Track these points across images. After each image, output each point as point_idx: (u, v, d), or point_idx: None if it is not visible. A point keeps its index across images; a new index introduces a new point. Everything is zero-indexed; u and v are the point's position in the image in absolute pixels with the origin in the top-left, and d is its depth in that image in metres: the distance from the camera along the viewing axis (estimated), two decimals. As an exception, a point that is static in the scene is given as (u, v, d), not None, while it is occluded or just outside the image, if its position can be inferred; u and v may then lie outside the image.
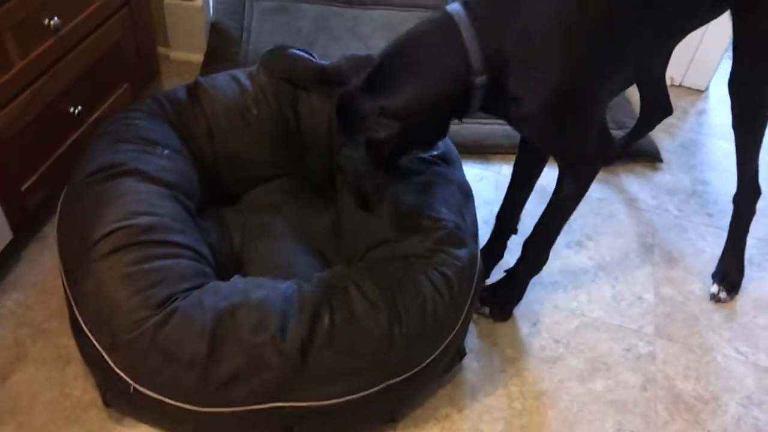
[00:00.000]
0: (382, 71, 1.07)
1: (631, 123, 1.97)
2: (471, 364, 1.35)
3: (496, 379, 1.34)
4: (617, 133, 1.93)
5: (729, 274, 1.56)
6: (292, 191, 1.53)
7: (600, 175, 1.80)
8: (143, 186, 1.24)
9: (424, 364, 1.18)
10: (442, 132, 1.17)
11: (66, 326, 1.33)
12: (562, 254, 1.60)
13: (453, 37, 1.04)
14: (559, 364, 1.38)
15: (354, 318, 1.12)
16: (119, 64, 1.61)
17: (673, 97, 2.14)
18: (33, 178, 1.40)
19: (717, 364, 1.41)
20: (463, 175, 1.42)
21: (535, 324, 1.45)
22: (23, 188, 1.38)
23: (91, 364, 1.21)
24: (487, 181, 1.77)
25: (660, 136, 1.97)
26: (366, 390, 1.12)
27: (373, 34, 2.20)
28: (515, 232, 1.50)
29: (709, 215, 1.76)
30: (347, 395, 1.11)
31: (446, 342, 1.21)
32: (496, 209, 1.69)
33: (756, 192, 1.53)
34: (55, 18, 1.32)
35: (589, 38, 1.05)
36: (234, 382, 1.06)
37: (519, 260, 1.42)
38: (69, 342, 1.31)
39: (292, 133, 1.51)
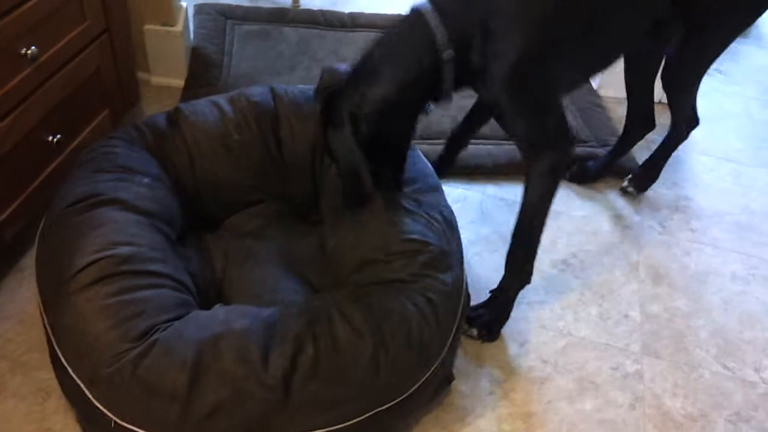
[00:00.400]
0: (363, 67, 1.23)
1: (613, 140, 1.98)
2: (459, 386, 1.34)
3: (484, 402, 1.32)
4: (599, 151, 1.94)
5: (644, 179, 1.84)
6: (274, 215, 1.52)
7: (583, 192, 1.83)
8: (122, 215, 1.22)
9: (411, 390, 1.16)
10: (418, 115, 1.28)
11: (46, 359, 1.30)
12: (547, 273, 1.60)
13: (421, 25, 1.19)
14: (548, 384, 1.37)
15: (338, 346, 1.10)
16: (99, 91, 1.60)
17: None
18: (10, 209, 1.38)
19: (705, 381, 1.41)
20: (446, 201, 1.42)
21: (522, 344, 1.44)
22: (0, 220, 1.36)
23: (71, 399, 1.18)
24: (470, 201, 1.77)
25: (642, 153, 1.98)
26: (351, 420, 1.10)
27: (356, 56, 2.20)
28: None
29: (693, 231, 1.77)
30: (332, 425, 1.09)
31: (433, 368, 1.19)
32: (481, 229, 1.70)
33: (694, 121, 1.75)
34: (33, 47, 1.31)
35: (540, 26, 1.18)
36: (216, 414, 1.04)
37: (503, 278, 1.41)
38: (49, 375, 1.28)
39: (273, 157, 1.50)
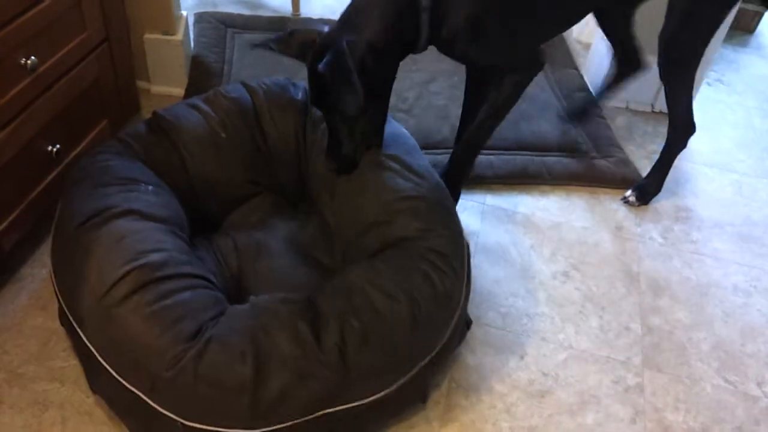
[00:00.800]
0: (349, 17, 1.29)
1: (616, 151, 1.98)
2: (460, 401, 1.33)
3: (485, 416, 1.31)
4: (602, 162, 1.94)
5: (648, 189, 1.85)
6: (272, 206, 1.54)
7: (584, 203, 1.83)
8: (141, 225, 1.22)
9: (446, 338, 1.25)
10: (398, 64, 1.36)
11: (43, 371, 1.30)
12: (548, 285, 1.59)
13: None
14: (548, 398, 1.36)
15: (379, 314, 1.16)
16: (98, 101, 1.60)
17: (654, 123, 2.17)
18: (9, 219, 1.37)
19: (707, 395, 1.40)
20: (425, 159, 1.49)
21: (522, 357, 1.43)
22: (-1, 230, 1.35)
23: (126, 412, 1.18)
24: (471, 211, 1.77)
25: (642, 163, 1.98)
26: (401, 379, 1.18)
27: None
28: None
29: (694, 242, 1.76)
30: (387, 387, 1.17)
31: (457, 314, 1.27)
32: (481, 239, 1.69)
33: (690, 128, 1.76)
34: (32, 57, 1.31)
35: None
36: (283, 398, 1.08)
37: (447, 164, 1.58)
38: (47, 387, 1.28)
39: (261, 150, 1.54)
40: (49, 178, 1.47)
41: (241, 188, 1.52)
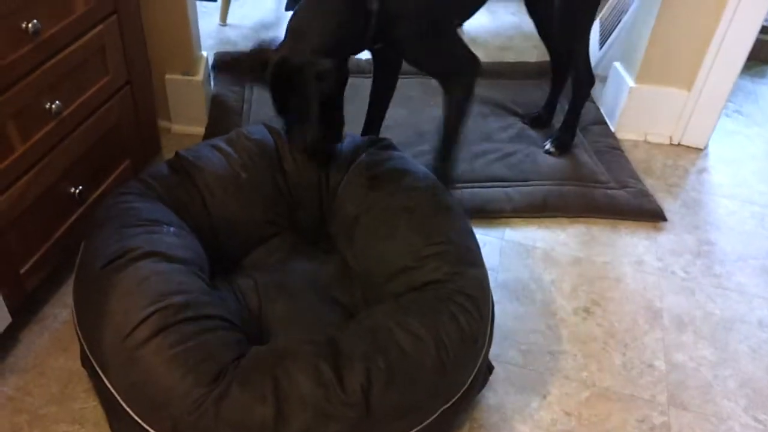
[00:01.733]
0: (299, 28, 1.37)
1: (635, 183, 1.97)
2: (480, 441, 1.31)
3: (507, 457, 1.29)
4: (621, 193, 1.93)
5: (565, 140, 2.07)
6: (291, 247, 1.55)
7: (604, 238, 1.82)
8: (163, 266, 1.23)
9: (469, 382, 1.24)
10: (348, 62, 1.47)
11: (65, 412, 1.30)
12: (569, 321, 1.57)
13: None
14: (572, 438, 1.34)
15: (406, 354, 1.16)
16: (120, 142, 1.63)
17: (673, 155, 2.16)
18: (32, 261, 1.39)
19: (735, 434, 1.37)
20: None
21: (545, 396, 1.41)
22: (22, 271, 1.37)
23: None
24: (489, 247, 1.76)
25: (662, 195, 1.96)
26: (425, 420, 1.17)
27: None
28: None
29: (716, 276, 1.73)
30: (410, 429, 1.16)
31: (482, 357, 1.27)
32: (500, 276, 1.69)
33: (592, 80, 1.98)
34: (57, 102, 1.34)
35: None
36: None
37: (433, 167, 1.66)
38: (68, 428, 1.28)
39: (281, 190, 1.55)
40: (72, 219, 1.49)
41: (261, 228, 1.53)
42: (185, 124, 2.08)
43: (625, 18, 2.45)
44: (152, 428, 1.10)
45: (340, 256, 1.52)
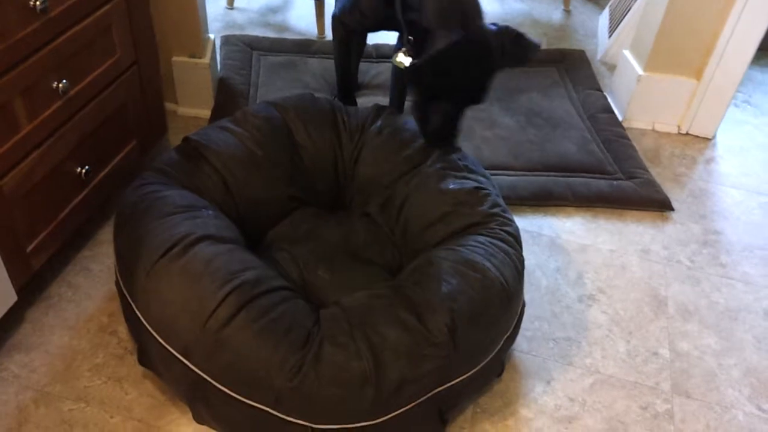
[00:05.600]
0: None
1: (642, 173, 1.96)
2: (484, 426, 1.31)
3: (510, 441, 1.30)
4: (628, 183, 1.92)
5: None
6: (315, 217, 1.55)
7: (610, 226, 1.81)
8: (220, 247, 1.22)
9: (519, 311, 1.35)
10: None
11: (70, 390, 1.31)
12: (574, 309, 1.57)
13: None
14: (575, 424, 1.34)
15: (478, 292, 1.22)
16: (127, 123, 1.62)
17: (681, 145, 2.15)
18: (38, 239, 1.39)
19: (738, 423, 1.37)
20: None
21: (549, 382, 1.41)
22: (28, 249, 1.37)
23: (252, 428, 1.17)
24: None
25: (669, 185, 1.96)
26: (493, 351, 1.26)
27: (384, 84, 2.22)
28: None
29: (722, 266, 1.73)
30: (483, 361, 1.24)
31: (523, 290, 1.37)
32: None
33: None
34: (64, 81, 1.33)
35: None
36: (403, 385, 1.12)
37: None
38: (73, 406, 1.28)
39: (297, 164, 1.55)
40: (78, 198, 1.49)
41: (281, 203, 1.52)
42: (191, 107, 2.07)
43: (635, 5, 2.43)
44: (255, 402, 1.12)
45: (366, 220, 1.54)
